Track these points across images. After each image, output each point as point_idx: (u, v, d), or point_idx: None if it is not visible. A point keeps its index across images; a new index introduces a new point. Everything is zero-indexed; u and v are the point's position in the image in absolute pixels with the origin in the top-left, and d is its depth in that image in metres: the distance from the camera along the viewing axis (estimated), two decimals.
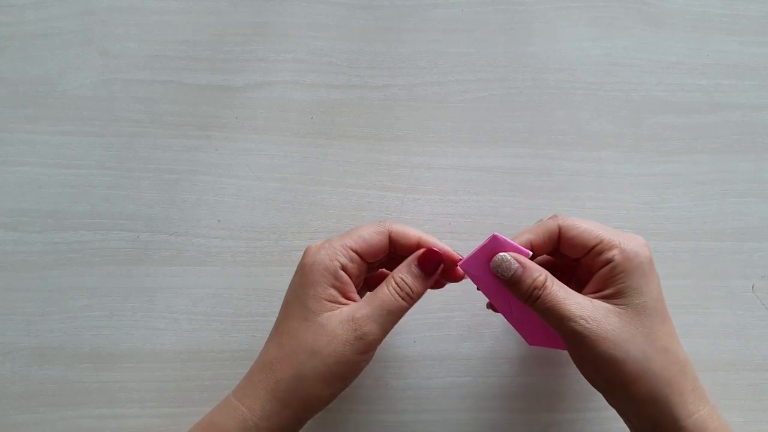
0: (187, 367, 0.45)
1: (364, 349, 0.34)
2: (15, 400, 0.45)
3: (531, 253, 0.36)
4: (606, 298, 0.34)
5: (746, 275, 0.47)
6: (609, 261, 0.34)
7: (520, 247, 0.36)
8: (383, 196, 0.47)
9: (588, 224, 0.35)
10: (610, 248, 0.34)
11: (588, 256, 0.35)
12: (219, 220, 0.47)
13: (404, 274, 0.36)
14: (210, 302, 0.46)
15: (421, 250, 0.36)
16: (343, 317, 0.34)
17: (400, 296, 0.35)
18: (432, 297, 0.46)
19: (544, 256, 0.39)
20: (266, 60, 0.49)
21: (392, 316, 0.35)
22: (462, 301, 0.46)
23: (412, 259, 0.36)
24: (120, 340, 0.45)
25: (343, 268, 0.35)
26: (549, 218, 0.36)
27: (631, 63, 0.49)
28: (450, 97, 0.48)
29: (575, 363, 0.36)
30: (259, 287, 0.46)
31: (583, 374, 0.36)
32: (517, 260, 0.35)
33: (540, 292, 0.34)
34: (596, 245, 0.35)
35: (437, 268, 0.36)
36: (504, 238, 0.35)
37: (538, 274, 0.35)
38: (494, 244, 0.35)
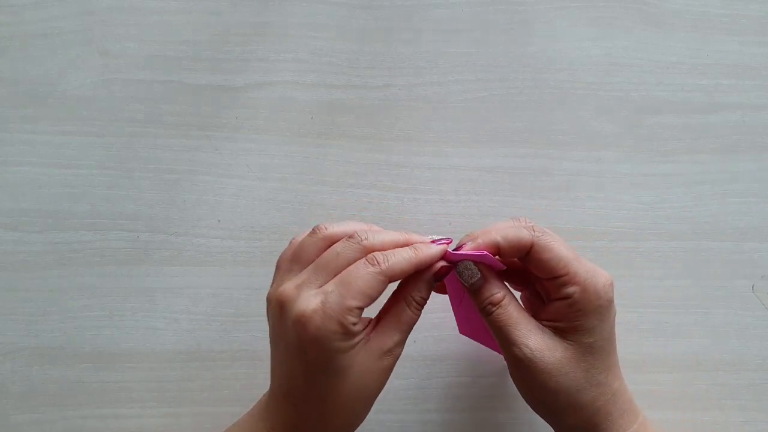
0: (187, 367, 0.45)
1: (395, 364, 0.35)
2: (15, 400, 0.45)
3: (504, 267, 0.36)
4: (558, 331, 0.35)
5: (746, 275, 0.47)
6: (568, 296, 0.34)
7: (499, 263, 0.36)
8: (383, 196, 0.47)
9: (561, 250, 0.34)
10: (573, 284, 0.34)
11: (550, 281, 0.35)
12: (219, 220, 0.47)
13: (424, 291, 0.35)
14: (210, 302, 0.46)
15: (439, 266, 0.35)
16: (376, 352, 0.34)
17: (420, 312, 0.36)
18: (432, 297, 0.45)
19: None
20: (266, 60, 0.49)
21: (411, 329, 0.36)
22: None
23: (429, 276, 0.35)
24: (120, 340, 0.45)
25: (354, 324, 0.33)
26: (526, 227, 0.35)
27: (631, 63, 0.49)
28: (450, 97, 0.48)
29: (513, 382, 0.36)
30: (259, 287, 0.46)
31: (520, 393, 0.37)
32: (482, 272, 0.35)
33: (493, 309, 0.35)
34: (561, 276, 0.34)
35: (444, 276, 0.36)
36: (492, 257, 0.35)
37: (497, 291, 0.35)
38: (479, 256, 0.35)
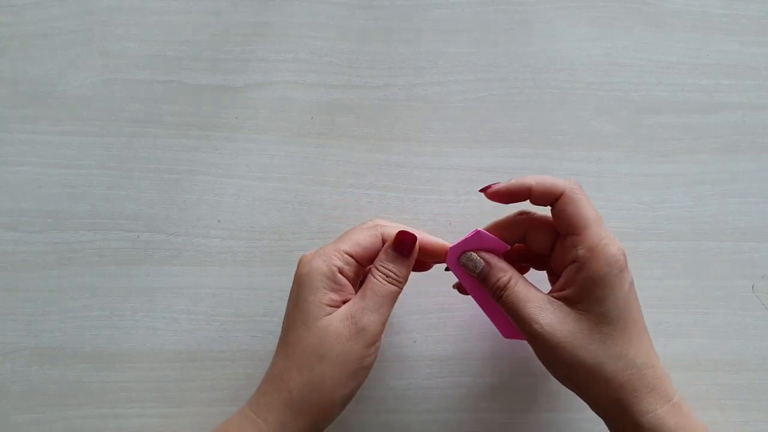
0: (187, 367, 0.45)
1: (369, 341, 0.35)
2: (15, 400, 0.45)
3: (508, 246, 0.37)
4: (568, 301, 0.35)
5: (746, 275, 0.47)
6: (577, 259, 0.34)
7: (499, 241, 0.37)
8: (383, 196, 0.47)
9: (587, 210, 0.34)
10: (584, 247, 0.34)
11: (565, 240, 0.35)
12: (219, 220, 0.47)
13: (384, 261, 0.37)
14: (210, 302, 0.46)
15: (394, 234, 0.37)
16: (342, 315, 0.35)
17: (387, 282, 0.36)
18: (432, 297, 0.46)
19: (516, 245, 0.39)
20: (266, 60, 0.49)
21: (386, 302, 0.36)
22: (462, 301, 0.46)
23: (387, 245, 0.37)
24: (120, 340, 0.45)
25: (340, 272, 0.36)
26: (566, 179, 0.36)
27: (631, 63, 0.49)
28: (450, 97, 0.48)
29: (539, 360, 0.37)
30: (259, 287, 0.46)
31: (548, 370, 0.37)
32: (484, 259, 0.37)
33: (502, 292, 0.36)
34: (576, 235, 0.34)
35: (413, 249, 0.37)
36: (486, 233, 0.37)
37: (503, 274, 0.36)
38: (477, 239, 0.37)
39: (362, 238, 0.37)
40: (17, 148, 0.47)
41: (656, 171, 0.48)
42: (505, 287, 0.36)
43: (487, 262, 0.37)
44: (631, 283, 0.35)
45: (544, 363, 0.36)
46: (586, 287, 0.34)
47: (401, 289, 0.37)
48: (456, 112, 0.48)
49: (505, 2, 0.49)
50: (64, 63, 0.48)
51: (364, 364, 0.35)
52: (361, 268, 0.37)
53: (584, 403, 0.46)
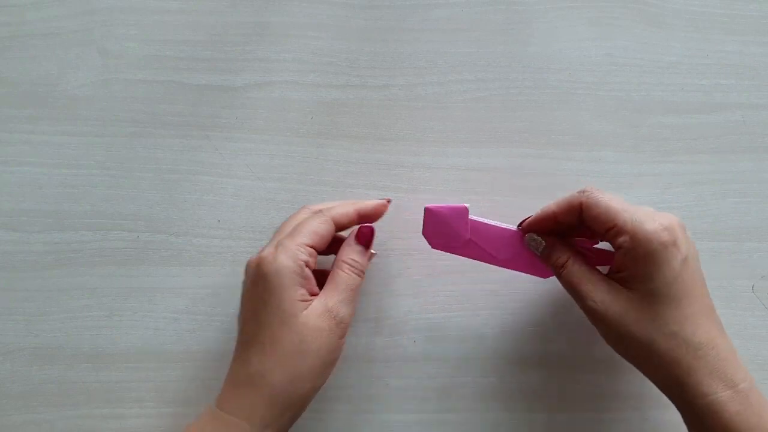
0: (187, 367, 0.45)
1: (344, 332, 0.38)
2: (15, 400, 0.45)
3: (466, 205, 0.40)
4: (621, 281, 0.36)
5: (746, 275, 0.47)
6: (621, 246, 0.35)
7: (455, 206, 0.40)
8: (383, 196, 0.47)
9: (609, 203, 0.36)
10: (623, 233, 0.35)
11: (606, 235, 0.36)
12: (219, 220, 0.47)
13: (352, 254, 0.39)
14: (210, 302, 0.46)
15: (356, 229, 0.40)
16: (319, 310, 0.36)
17: (356, 274, 0.39)
18: (432, 297, 0.46)
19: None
20: (266, 60, 0.49)
21: (355, 294, 0.38)
22: (462, 301, 0.46)
23: (352, 239, 0.40)
24: (120, 340, 0.45)
25: (306, 265, 0.37)
26: (578, 192, 0.37)
27: (631, 63, 0.49)
28: (450, 97, 0.48)
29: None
30: None
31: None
32: (545, 240, 0.39)
33: (561, 270, 0.38)
34: (611, 228, 0.35)
35: (372, 240, 0.40)
36: (437, 206, 0.40)
37: (559, 255, 0.38)
38: (430, 216, 0.40)
39: (319, 228, 0.38)
40: (17, 148, 0.47)
41: (656, 171, 0.48)
42: (563, 266, 0.38)
43: (548, 243, 0.39)
44: (685, 260, 0.35)
45: (602, 335, 0.37)
46: (634, 267, 0.35)
47: (363, 279, 0.39)
48: (456, 112, 0.48)
49: (505, 2, 0.49)
50: (64, 63, 0.48)
51: (339, 352, 0.37)
52: (316, 256, 0.39)
53: (585, 403, 0.46)
